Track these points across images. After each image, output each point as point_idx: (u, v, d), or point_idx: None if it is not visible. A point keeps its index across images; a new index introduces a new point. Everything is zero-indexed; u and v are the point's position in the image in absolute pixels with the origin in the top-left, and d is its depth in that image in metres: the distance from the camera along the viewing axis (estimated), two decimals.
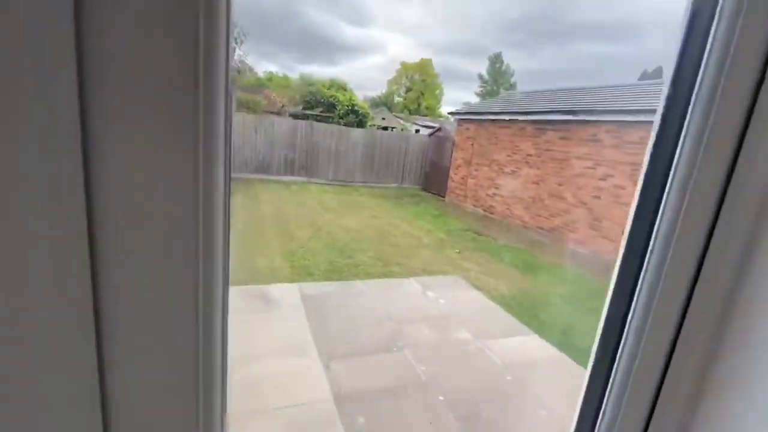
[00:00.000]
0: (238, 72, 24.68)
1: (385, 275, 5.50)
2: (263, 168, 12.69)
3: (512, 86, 40.57)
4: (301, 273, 5.22)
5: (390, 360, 3.38)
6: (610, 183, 7.86)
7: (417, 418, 2.74)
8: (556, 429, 2.83)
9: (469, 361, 3.52)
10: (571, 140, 8.78)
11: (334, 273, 5.35)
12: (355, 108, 16.73)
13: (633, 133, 7.65)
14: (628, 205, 8.14)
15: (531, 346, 3.95)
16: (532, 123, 9.80)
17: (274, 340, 3.44)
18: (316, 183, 13.07)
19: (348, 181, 13.84)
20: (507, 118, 10.59)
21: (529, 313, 4.86)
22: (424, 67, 38.64)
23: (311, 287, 4.61)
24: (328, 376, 3.06)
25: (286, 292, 4.39)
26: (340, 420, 2.60)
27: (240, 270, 5.10)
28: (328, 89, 17.62)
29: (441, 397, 2.97)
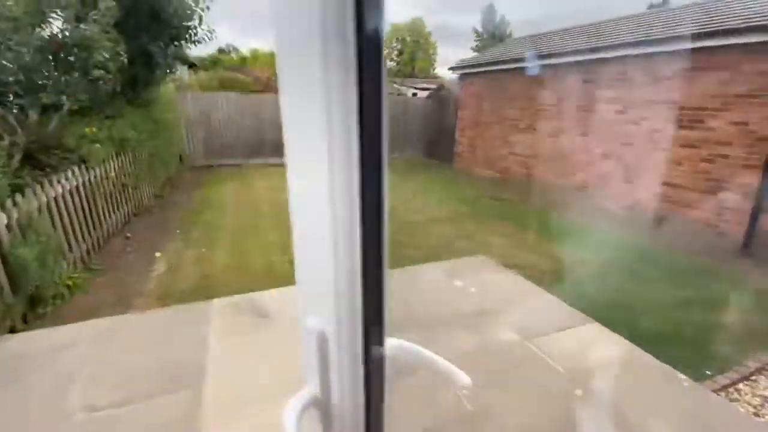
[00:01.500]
0: (219, 51, 23.21)
1: (400, 263, 4.66)
2: (255, 151, 11.75)
3: (509, 37, 38.15)
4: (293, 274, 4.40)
5: (420, 384, 2.58)
6: (645, 127, 6.83)
7: None
8: None
9: (522, 371, 2.71)
10: (594, 83, 7.66)
11: None
12: None
13: (664, 67, 6.53)
14: (667, 150, 6.97)
15: (592, 339, 3.12)
16: (551, 68, 8.63)
17: (267, 372, 2.65)
18: None
19: None
20: (518, 65, 9.39)
21: (577, 292, 4.02)
22: (415, 26, 36.43)
23: None
24: None
25: (280, 300, 3.57)
26: None
27: (226, 277, 4.30)
28: None
29: None
